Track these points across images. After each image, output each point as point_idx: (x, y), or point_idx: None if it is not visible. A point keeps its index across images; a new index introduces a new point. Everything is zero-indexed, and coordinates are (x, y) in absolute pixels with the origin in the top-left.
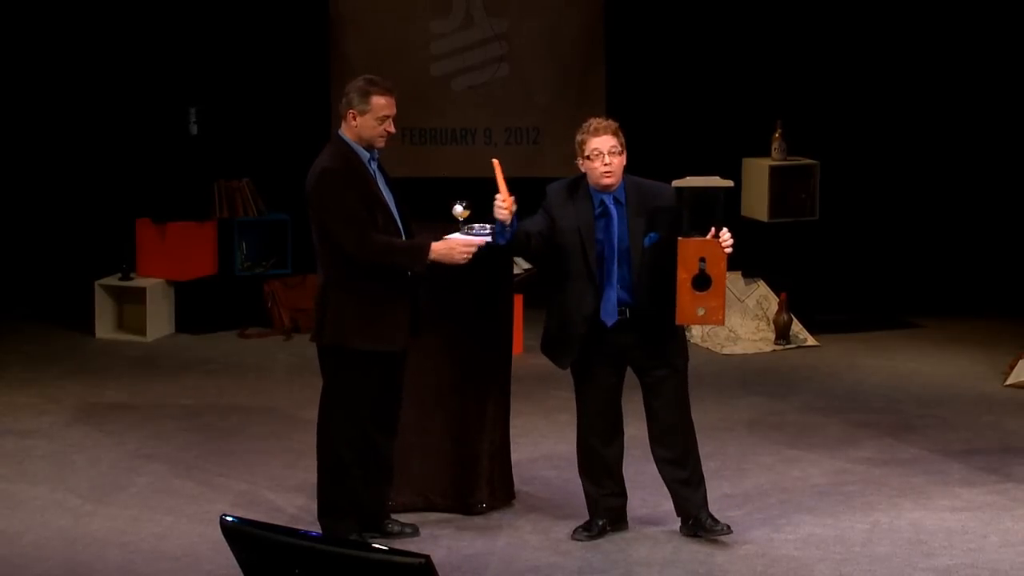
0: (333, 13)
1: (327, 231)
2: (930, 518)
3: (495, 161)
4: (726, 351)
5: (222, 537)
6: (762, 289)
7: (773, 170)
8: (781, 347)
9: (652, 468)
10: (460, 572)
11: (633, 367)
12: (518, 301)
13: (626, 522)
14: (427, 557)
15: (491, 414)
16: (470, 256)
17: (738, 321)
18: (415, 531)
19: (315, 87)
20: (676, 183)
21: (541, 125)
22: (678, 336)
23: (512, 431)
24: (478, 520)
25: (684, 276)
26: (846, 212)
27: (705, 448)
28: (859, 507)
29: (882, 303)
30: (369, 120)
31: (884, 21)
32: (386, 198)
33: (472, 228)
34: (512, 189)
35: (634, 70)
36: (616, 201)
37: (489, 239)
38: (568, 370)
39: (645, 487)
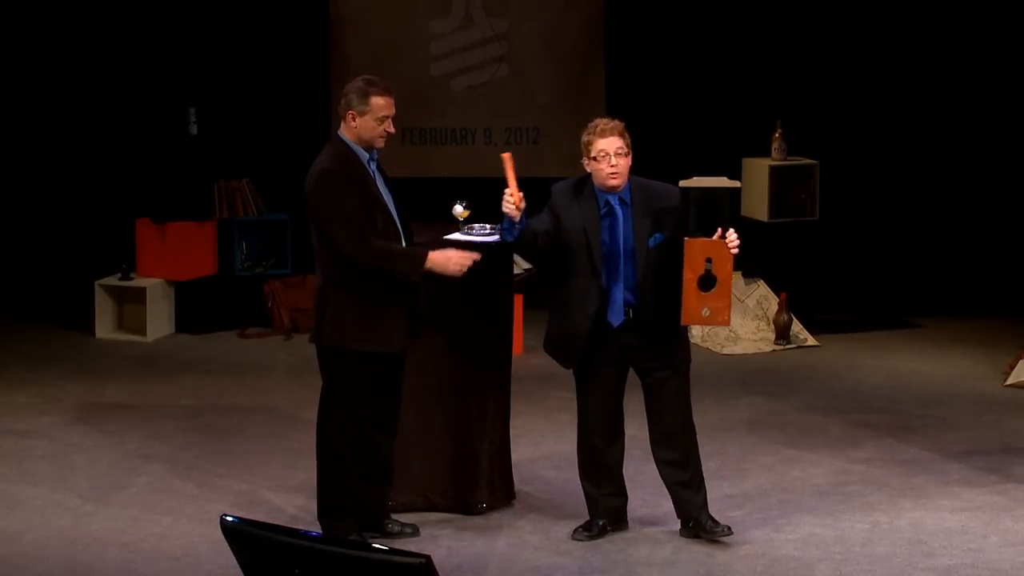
0: (333, 13)
1: (325, 232)
2: (930, 518)
3: (506, 156)
4: (726, 351)
5: (222, 537)
6: (762, 289)
7: (773, 170)
8: (781, 347)
9: (652, 468)
10: (460, 572)
11: (635, 368)
12: (518, 301)
13: (626, 522)
14: (427, 557)
15: (491, 414)
16: (464, 270)
17: (738, 321)
18: (415, 531)
19: (315, 87)
20: (683, 183)
21: (541, 125)
22: (681, 338)
23: (512, 431)
24: (478, 520)
25: (690, 276)
26: (846, 212)
27: (705, 448)
28: (859, 507)
29: (882, 303)
30: (368, 121)
31: (884, 21)
32: (385, 199)
33: (472, 228)
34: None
35: (634, 70)
36: (621, 202)
37: (488, 239)
38: (570, 370)
39: (645, 487)
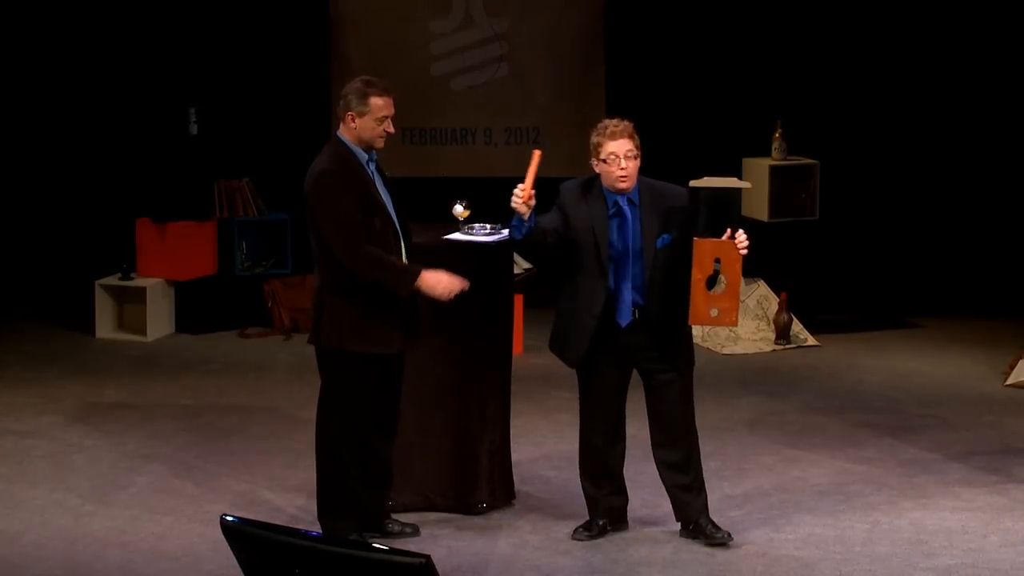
0: (333, 13)
1: (321, 235)
2: (930, 518)
3: (536, 152)
4: (726, 351)
5: (222, 537)
6: (762, 289)
7: (773, 170)
8: (781, 347)
9: (652, 468)
10: (460, 572)
11: (639, 369)
12: (518, 301)
13: (626, 522)
14: (427, 557)
15: (491, 414)
16: (452, 296)
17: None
18: (415, 531)
19: (315, 87)
20: (693, 183)
21: (541, 125)
22: (687, 340)
23: (512, 431)
24: (478, 520)
25: (699, 276)
26: (846, 212)
27: (705, 448)
28: (859, 507)
29: (882, 303)
30: (368, 121)
31: (884, 21)
32: (384, 200)
33: (472, 228)
34: (511, 190)
35: (634, 70)
36: (630, 202)
37: (488, 239)
38: (573, 369)
39: (645, 487)
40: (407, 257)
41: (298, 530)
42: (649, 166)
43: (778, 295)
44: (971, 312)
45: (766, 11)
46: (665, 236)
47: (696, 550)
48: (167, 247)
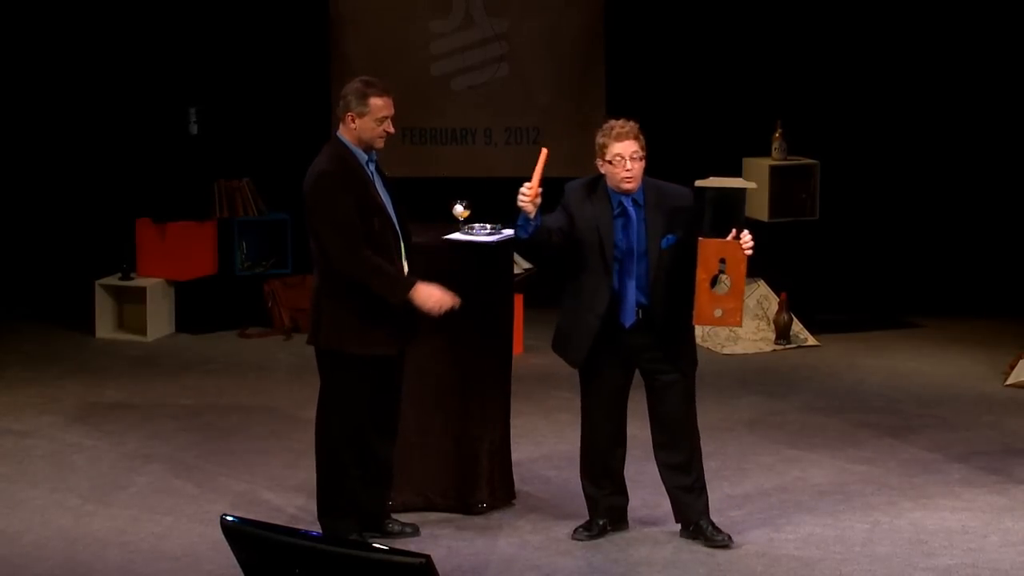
0: (333, 13)
1: (318, 236)
2: (930, 518)
3: (544, 150)
4: (726, 351)
5: (222, 537)
6: (762, 289)
7: (773, 170)
8: (781, 347)
9: (652, 468)
10: (460, 572)
11: (642, 369)
12: (518, 301)
13: (627, 522)
14: (427, 557)
15: (491, 414)
16: (442, 312)
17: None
18: (415, 531)
19: (315, 87)
20: (699, 183)
21: (541, 125)
22: (690, 341)
23: (512, 431)
24: (478, 520)
25: (703, 276)
26: (846, 212)
27: (705, 448)
28: (859, 507)
29: (882, 303)
30: (368, 122)
31: (884, 21)
32: (384, 201)
33: (472, 228)
34: (512, 189)
35: (634, 70)
36: (635, 202)
37: (488, 239)
38: (572, 369)
39: (645, 487)
40: (407, 258)
41: (298, 530)
42: (649, 166)
43: (778, 295)
44: (971, 312)
45: (766, 11)
46: (670, 237)
47: (696, 550)
48: (167, 247)
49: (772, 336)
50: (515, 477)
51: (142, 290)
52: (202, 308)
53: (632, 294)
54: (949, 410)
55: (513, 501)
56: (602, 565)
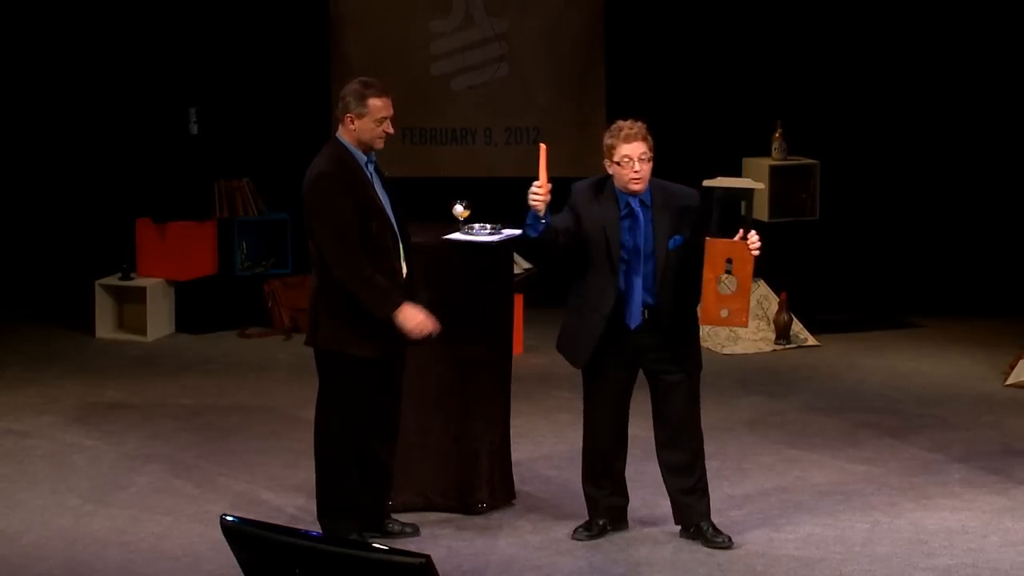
0: (333, 13)
1: (315, 239)
2: (930, 518)
3: (543, 146)
4: (726, 351)
5: (222, 537)
6: (762, 289)
7: (773, 170)
8: (781, 347)
9: (653, 468)
10: (460, 572)
11: (647, 369)
12: (518, 301)
13: (627, 522)
14: (427, 557)
15: (491, 414)
16: (421, 337)
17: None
18: (415, 531)
19: (315, 87)
20: (707, 183)
21: (541, 125)
22: (695, 342)
23: (512, 431)
24: (478, 520)
25: (710, 276)
26: (846, 212)
27: (705, 448)
28: (859, 507)
29: (882, 303)
30: (367, 123)
31: (884, 21)
32: (383, 203)
33: (472, 228)
34: (511, 189)
35: (634, 70)
36: (642, 203)
37: (489, 239)
38: (572, 369)
39: (645, 487)
40: (406, 259)
41: (298, 530)
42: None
43: (778, 295)
44: (971, 312)
45: (766, 11)
46: (677, 238)
47: (696, 550)
48: (167, 247)
49: (772, 336)
50: (515, 477)
51: (142, 290)
52: (202, 308)
53: (638, 295)
54: (949, 410)
55: (513, 501)
56: (602, 565)
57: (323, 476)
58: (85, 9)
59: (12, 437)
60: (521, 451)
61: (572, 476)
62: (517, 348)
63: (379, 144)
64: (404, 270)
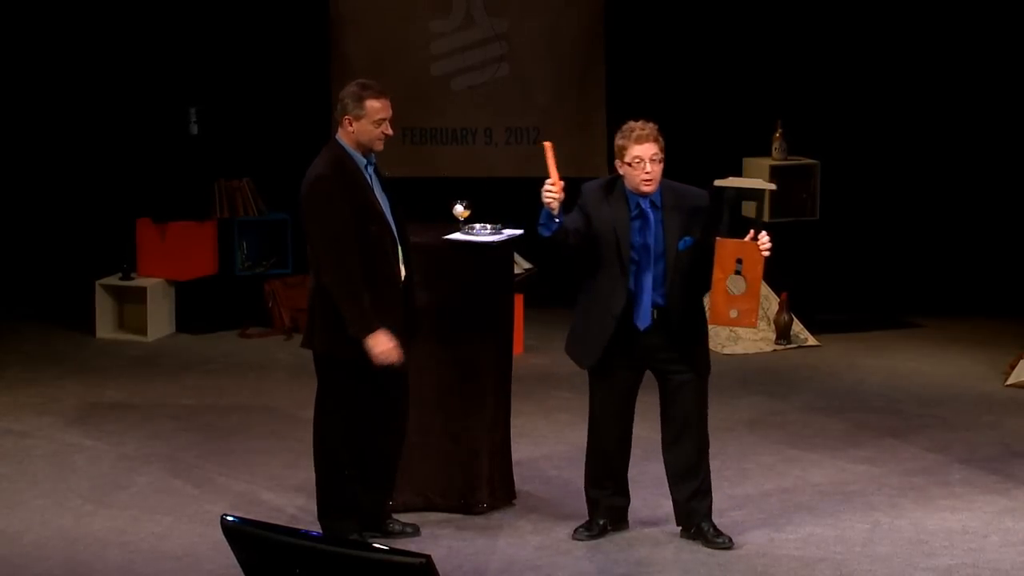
0: (333, 13)
1: (311, 242)
2: (931, 518)
3: (548, 144)
4: (726, 351)
5: (222, 537)
6: (762, 289)
7: (773, 170)
8: (782, 347)
9: (653, 468)
10: (460, 572)
11: (656, 369)
12: (518, 301)
13: (627, 522)
14: (428, 557)
15: (491, 414)
16: (383, 364)
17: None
18: (416, 531)
19: (315, 87)
20: (718, 182)
21: (541, 125)
22: (704, 343)
23: (512, 431)
24: (478, 520)
25: (720, 276)
26: (846, 212)
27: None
28: (860, 507)
29: (882, 303)
30: (365, 124)
31: (884, 21)
32: (381, 205)
33: (472, 228)
34: (512, 189)
35: (634, 70)
36: (652, 204)
37: (489, 239)
38: (571, 370)
39: (646, 487)
40: (405, 262)
41: (298, 530)
42: None
43: (778, 295)
44: (971, 312)
45: (766, 11)
46: (687, 239)
47: (697, 550)
48: (167, 247)
49: (772, 336)
50: (515, 477)
51: (142, 290)
52: (202, 308)
53: (648, 296)
54: (949, 410)
55: (513, 501)
56: (602, 565)
57: (322, 478)
58: (85, 9)
59: (12, 437)
60: (521, 451)
61: (572, 476)
62: (517, 348)
63: (378, 146)
64: (403, 272)
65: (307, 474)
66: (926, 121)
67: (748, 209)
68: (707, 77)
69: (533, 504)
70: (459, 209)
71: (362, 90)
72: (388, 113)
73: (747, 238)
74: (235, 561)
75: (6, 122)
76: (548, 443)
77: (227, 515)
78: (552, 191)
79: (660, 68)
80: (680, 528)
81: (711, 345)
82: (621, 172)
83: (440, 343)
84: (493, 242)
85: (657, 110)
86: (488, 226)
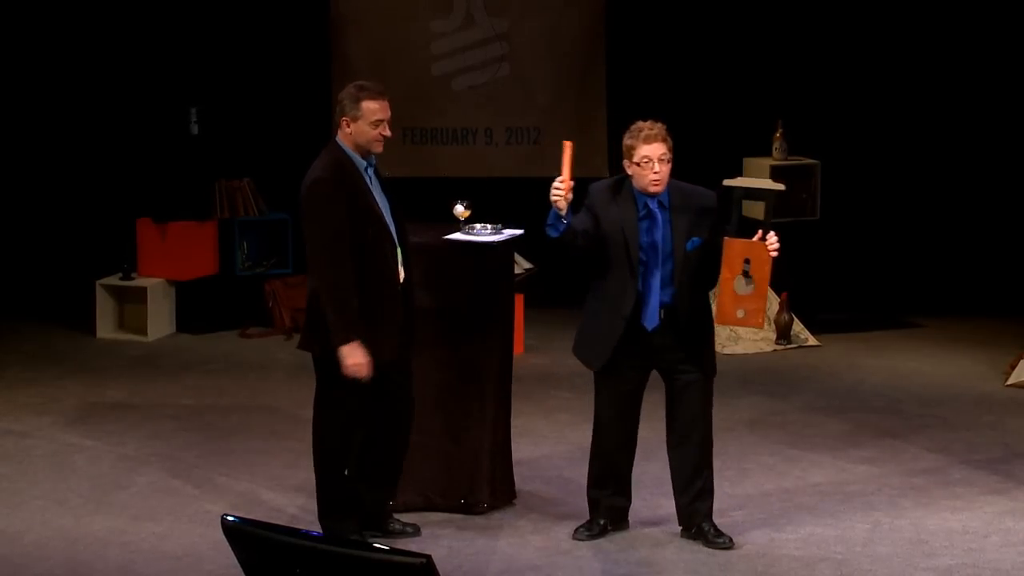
0: (333, 13)
1: (307, 244)
2: (931, 518)
3: (568, 144)
4: (727, 351)
5: (222, 537)
6: None
7: (774, 170)
8: (782, 347)
9: (653, 468)
10: (461, 572)
11: (663, 369)
12: (518, 301)
13: (627, 522)
14: (428, 557)
15: (491, 414)
16: (351, 376)
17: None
18: (416, 531)
19: (315, 87)
20: (727, 182)
21: (541, 125)
22: (711, 344)
23: (512, 431)
24: (479, 520)
25: (727, 276)
26: (846, 212)
27: None
28: (860, 507)
29: (882, 303)
30: (362, 126)
31: (884, 21)
32: (381, 208)
33: (473, 228)
34: (512, 189)
35: (634, 70)
36: (660, 205)
37: (489, 239)
38: (572, 370)
39: (646, 487)
40: (404, 264)
41: (299, 530)
42: None
43: (779, 295)
44: (971, 312)
45: (766, 11)
46: (695, 239)
47: (697, 550)
48: (168, 247)
49: (773, 336)
50: (515, 477)
51: (143, 290)
52: (203, 308)
53: (656, 296)
54: (949, 410)
55: (513, 501)
56: (603, 565)
57: (322, 478)
58: (85, 9)
59: (12, 437)
60: (521, 451)
61: (572, 476)
62: (517, 348)
63: (376, 147)
64: (402, 274)
65: (307, 474)
66: (926, 121)
67: (756, 210)
68: (707, 77)
69: (533, 504)
70: (459, 209)
71: (359, 91)
72: (386, 114)
73: (755, 238)
74: (235, 561)
75: (6, 122)
76: (548, 443)
77: (227, 515)
78: (559, 189)
79: (660, 68)
80: (680, 528)
81: None
82: (629, 172)
83: (440, 343)
84: (493, 242)
85: (657, 110)
86: (488, 226)
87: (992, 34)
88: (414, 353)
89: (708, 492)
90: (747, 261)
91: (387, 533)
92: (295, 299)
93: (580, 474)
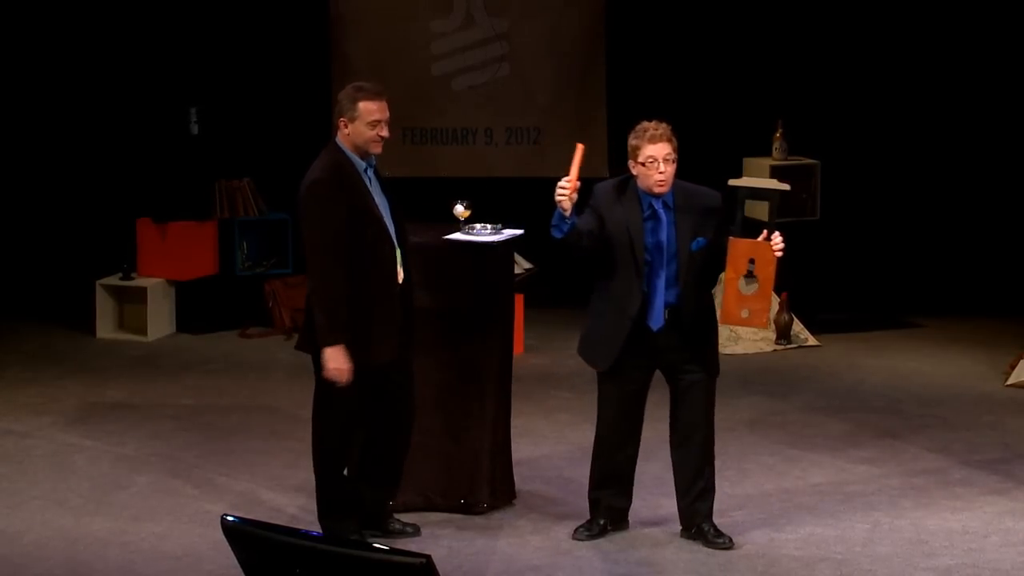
0: (333, 13)
1: (304, 246)
2: (931, 518)
3: (580, 146)
4: (727, 351)
5: (222, 537)
6: None
7: (774, 169)
8: (782, 347)
9: (653, 468)
10: (461, 572)
11: (666, 369)
12: (518, 301)
13: (627, 522)
14: (428, 557)
15: (491, 414)
16: (332, 380)
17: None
18: (416, 531)
19: (315, 87)
20: (732, 182)
21: (541, 125)
22: (715, 344)
23: (512, 431)
24: (479, 520)
25: (732, 276)
26: (846, 212)
27: None
28: (860, 507)
29: (882, 303)
30: (360, 126)
31: (884, 21)
32: (380, 208)
33: (473, 228)
34: (512, 189)
35: (634, 70)
36: (665, 205)
37: (489, 239)
38: (572, 370)
39: (646, 487)
40: (403, 264)
41: (298, 530)
42: None
43: (779, 295)
44: (971, 312)
45: (766, 11)
46: (700, 240)
47: (697, 550)
48: (168, 247)
49: (773, 336)
50: (515, 477)
51: (143, 290)
52: (203, 308)
53: (661, 296)
54: (949, 410)
55: (513, 501)
56: (602, 565)
57: (321, 479)
58: (85, 9)
59: (12, 437)
60: (521, 451)
61: (572, 476)
62: (517, 348)
63: (375, 148)
64: (401, 275)
65: (307, 474)
66: (926, 121)
67: (760, 210)
68: (707, 77)
69: (533, 504)
70: (459, 209)
71: (356, 92)
72: (384, 115)
73: (760, 238)
74: (235, 561)
75: (6, 122)
76: (548, 443)
77: (227, 515)
78: (565, 189)
79: (660, 68)
80: (680, 528)
81: None
82: (634, 172)
83: (440, 343)
84: (493, 242)
85: (657, 110)
86: (488, 226)
87: (992, 34)
88: (414, 353)
89: (709, 492)
90: (752, 261)
91: (387, 533)
92: (295, 299)
93: (580, 474)
